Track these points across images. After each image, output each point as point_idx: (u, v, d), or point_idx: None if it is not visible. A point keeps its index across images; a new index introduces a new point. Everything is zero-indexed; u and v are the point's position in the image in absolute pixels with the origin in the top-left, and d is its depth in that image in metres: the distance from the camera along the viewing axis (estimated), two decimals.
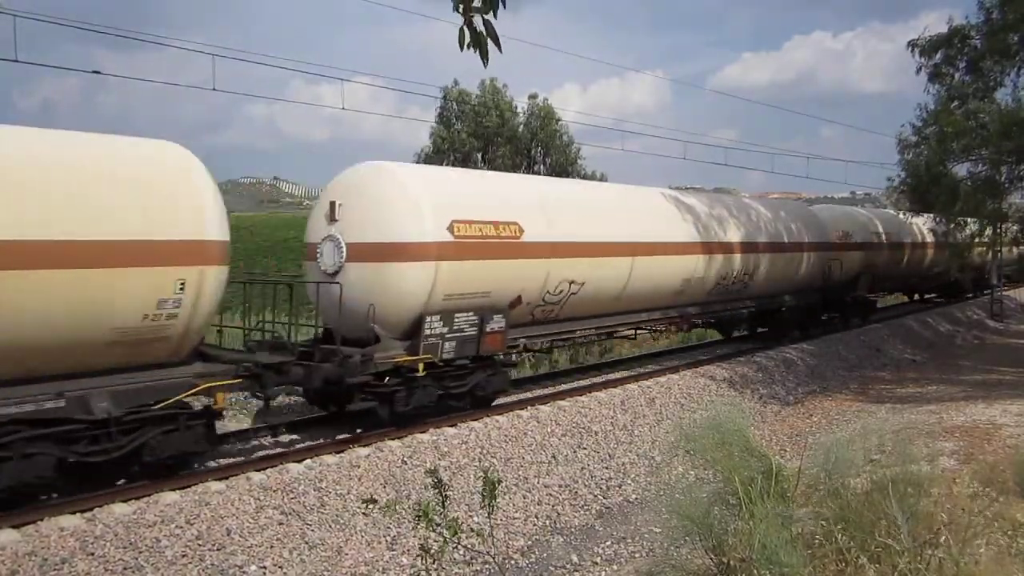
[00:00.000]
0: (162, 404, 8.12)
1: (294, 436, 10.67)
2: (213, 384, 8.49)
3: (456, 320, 10.66)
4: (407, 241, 10.13)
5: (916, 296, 31.99)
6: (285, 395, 11.78)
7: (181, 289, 7.93)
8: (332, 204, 10.48)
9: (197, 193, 8.30)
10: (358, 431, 10.45)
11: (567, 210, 12.63)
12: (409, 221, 10.21)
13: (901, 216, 25.07)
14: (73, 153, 7.68)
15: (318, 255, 10.49)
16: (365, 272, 10.20)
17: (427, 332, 10.27)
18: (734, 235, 16.92)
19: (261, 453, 9.79)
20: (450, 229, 10.47)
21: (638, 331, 15.73)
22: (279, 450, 9.91)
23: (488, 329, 11.08)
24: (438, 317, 10.43)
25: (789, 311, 19.85)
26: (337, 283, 10.14)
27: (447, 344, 10.60)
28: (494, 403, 12.02)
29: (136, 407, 7.95)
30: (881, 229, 23.95)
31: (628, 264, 13.54)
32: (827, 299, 21.38)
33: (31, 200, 7.02)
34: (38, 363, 7.31)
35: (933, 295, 31.89)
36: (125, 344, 7.75)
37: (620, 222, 13.68)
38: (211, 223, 8.27)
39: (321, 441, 10.27)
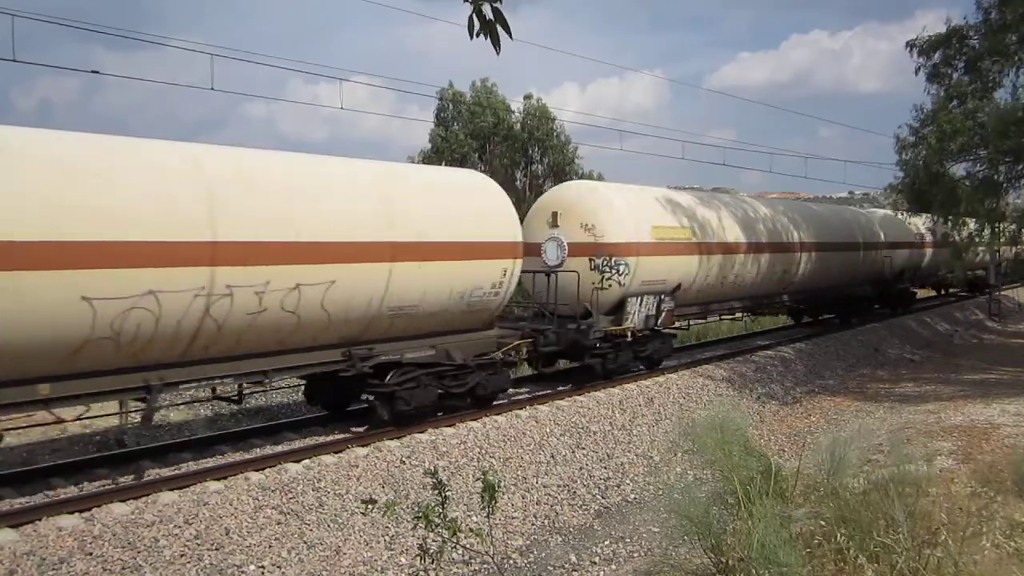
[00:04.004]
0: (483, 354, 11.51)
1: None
2: (517, 342, 12.12)
3: (645, 301, 14.02)
4: (616, 242, 13.44)
5: (942, 291, 34.06)
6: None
7: (504, 275, 11.45)
8: (554, 213, 13.87)
9: (510, 208, 11.99)
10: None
11: (712, 217, 16.16)
12: (615, 226, 13.50)
13: (899, 216, 25.23)
14: (449, 178, 12.25)
15: (542, 252, 13.73)
16: (584, 265, 13.47)
17: (628, 309, 13.65)
18: (808, 235, 19.74)
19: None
20: (650, 232, 13.97)
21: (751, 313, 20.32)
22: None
23: (663, 308, 14.41)
24: (636, 298, 13.80)
25: (854, 299, 23.44)
26: (573, 272, 13.29)
27: (639, 319, 13.96)
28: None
29: (470, 356, 11.19)
30: (923, 230, 26.93)
31: (766, 258, 17.34)
32: (878, 290, 24.73)
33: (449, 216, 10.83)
34: (431, 325, 10.76)
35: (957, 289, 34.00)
36: (469, 312, 11.23)
37: (754, 226, 17.37)
38: (517, 229, 11.98)
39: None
